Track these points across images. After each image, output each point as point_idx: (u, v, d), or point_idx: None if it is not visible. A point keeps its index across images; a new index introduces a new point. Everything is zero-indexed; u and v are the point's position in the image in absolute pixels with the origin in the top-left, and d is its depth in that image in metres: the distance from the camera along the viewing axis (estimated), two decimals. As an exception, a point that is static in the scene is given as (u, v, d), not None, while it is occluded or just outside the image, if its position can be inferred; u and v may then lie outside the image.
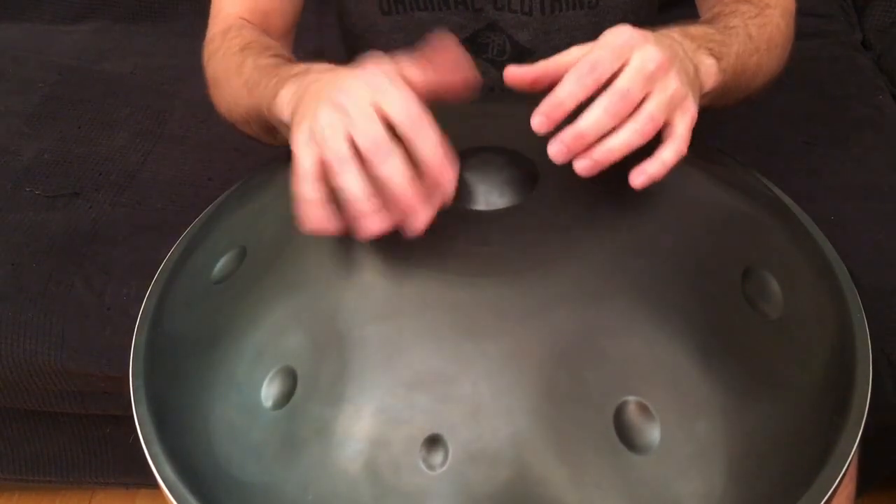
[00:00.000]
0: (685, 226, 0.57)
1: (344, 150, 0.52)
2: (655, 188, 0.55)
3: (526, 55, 0.84)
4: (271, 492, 0.51)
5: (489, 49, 0.84)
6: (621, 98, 0.54)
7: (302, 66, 0.66)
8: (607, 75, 0.54)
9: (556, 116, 0.54)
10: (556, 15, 0.81)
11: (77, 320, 0.96)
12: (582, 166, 0.54)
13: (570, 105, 0.54)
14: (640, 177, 0.55)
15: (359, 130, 0.52)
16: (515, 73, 0.58)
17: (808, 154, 1.08)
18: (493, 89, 0.87)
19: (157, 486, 0.55)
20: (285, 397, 0.52)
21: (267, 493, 0.51)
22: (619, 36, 0.56)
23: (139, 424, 0.58)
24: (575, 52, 0.58)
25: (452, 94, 0.58)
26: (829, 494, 0.51)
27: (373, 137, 0.52)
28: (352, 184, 0.52)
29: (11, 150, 1.17)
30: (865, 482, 0.79)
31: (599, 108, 0.54)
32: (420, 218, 0.53)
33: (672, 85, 0.55)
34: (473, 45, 0.84)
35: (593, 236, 0.55)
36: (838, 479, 0.52)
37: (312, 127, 0.55)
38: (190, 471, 0.55)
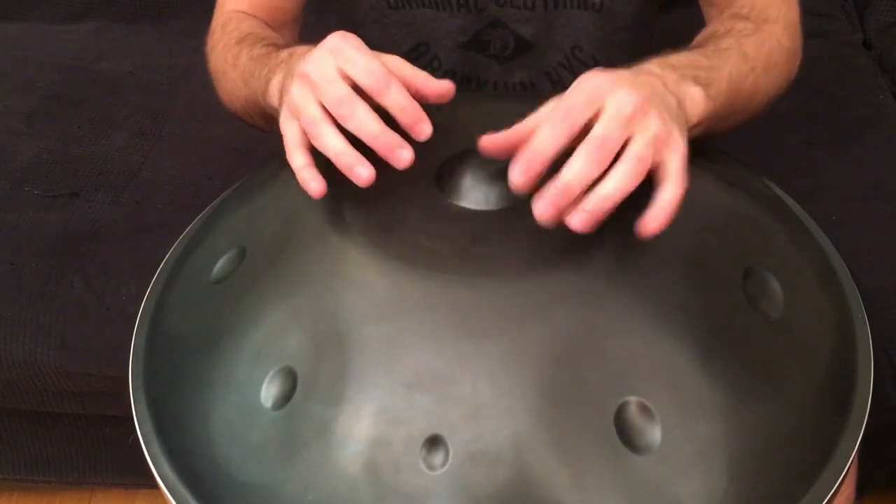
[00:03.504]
0: (686, 225, 0.57)
1: (316, 113, 0.57)
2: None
3: (529, 49, 0.84)
4: (271, 492, 0.51)
5: (491, 45, 0.84)
6: (601, 144, 0.51)
7: (286, 52, 0.68)
8: (582, 121, 0.52)
9: (535, 168, 0.52)
10: (558, 11, 0.81)
11: (77, 320, 0.96)
12: (577, 220, 0.51)
13: (549, 154, 0.52)
14: (649, 224, 0.52)
15: (323, 93, 0.57)
16: (490, 143, 0.57)
17: (808, 154, 1.08)
18: (496, 86, 0.87)
19: (157, 486, 0.55)
20: (285, 397, 0.52)
21: (267, 493, 0.51)
22: (590, 82, 0.53)
23: (139, 424, 0.58)
24: (546, 109, 0.55)
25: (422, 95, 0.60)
26: (829, 495, 0.51)
27: (336, 97, 0.56)
28: (329, 141, 0.57)
29: (11, 150, 1.17)
30: (865, 483, 0.78)
31: (580, 158, 0.51)
32: (402, 157, 0.56)
33: (653, 125, 0.53)
34: (476, 43, 0.84)
35: (593, 236, 0.55)
36: (839, 479, 0.52)
37: (288, 102, 0.60)
38: (190, 471, 0.54)
